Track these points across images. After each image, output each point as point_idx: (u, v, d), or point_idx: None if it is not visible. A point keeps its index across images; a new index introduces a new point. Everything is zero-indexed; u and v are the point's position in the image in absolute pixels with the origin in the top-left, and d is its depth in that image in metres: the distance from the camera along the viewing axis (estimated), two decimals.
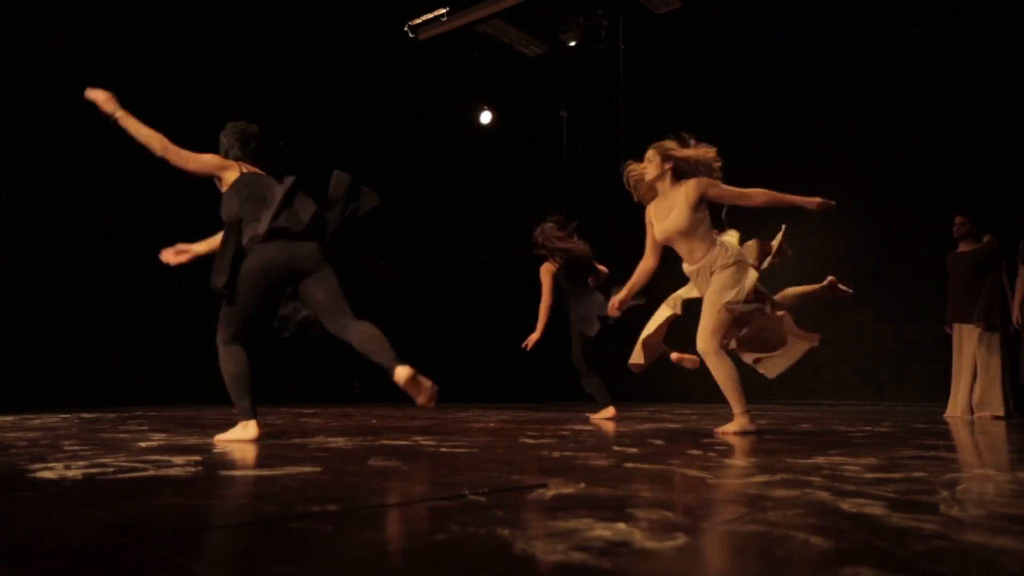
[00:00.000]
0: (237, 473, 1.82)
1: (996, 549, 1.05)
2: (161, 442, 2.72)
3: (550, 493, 1.55)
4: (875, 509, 1.36)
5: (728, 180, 3.75)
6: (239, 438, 2.82)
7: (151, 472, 1.83)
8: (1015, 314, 5.58)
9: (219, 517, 1.27)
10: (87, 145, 6.22)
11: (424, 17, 7.12)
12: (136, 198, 6.52)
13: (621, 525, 1.18)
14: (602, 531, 1.13)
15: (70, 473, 1.78)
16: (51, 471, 1.82)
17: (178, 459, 2.12)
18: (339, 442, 2.84)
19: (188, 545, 1.08)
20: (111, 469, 1.87)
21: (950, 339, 5.94)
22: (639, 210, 3.88)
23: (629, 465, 2.18)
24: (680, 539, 1.08)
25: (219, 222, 3.16)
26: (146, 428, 3.44)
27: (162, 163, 3.07)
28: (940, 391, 6.05)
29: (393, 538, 1.11)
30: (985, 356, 5.65)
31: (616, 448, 2.74)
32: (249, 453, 2.40)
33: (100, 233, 6.34)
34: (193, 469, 1.90)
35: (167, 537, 1.11)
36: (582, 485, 1.68)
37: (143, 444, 2.61)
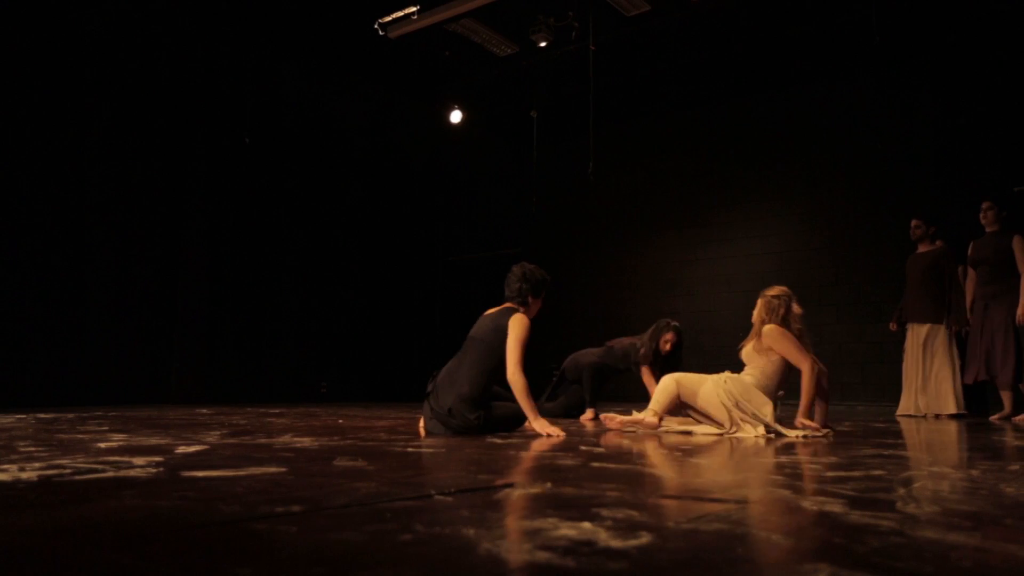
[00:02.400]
0: (199, 474, 1.79)
1: (949, 545, 1.08)
2: (121, 443, 2.66)
3: (516, 493, 1.55)
4: (835, 507, 1.39)
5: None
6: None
7: (110, 473, 1.79)
8: (966, 316, 5.74)
9: (180, 519, 1.25)
10: (54, 146, 6.08)
11: (394, 15, 7.07)
12: (95, 195, 6.39)
13: (586, 524, 1.19)
14: (567, 530, 1.14)
15: (24, 475, 1.74)
16: (5, 473, 1.77)
17: (139, 460, 2.08)
18: (305, 442, 2.81)
19: (148, 548, 1.06)
20: (68, 471, 1.83)
21: (903, 338, 6.13)
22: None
23: (595, 465, 2.19)
24: (644, 538, 1.10)
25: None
26: (106, 428, 3.36)
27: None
28: (900, 391, 6.19)
29: (358, 539, 1.10)
30: (943, 356, 5.81)
31: (583, 448, 2.75)
32: (212, 454, 2.36)
33: (61, 230, 6.19)
34: (154, 470, 1.87)
35: (126, 540, 1.09)
36: (548, 485, 1.69)
37: (102, 445, 2.56)
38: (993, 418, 5.49)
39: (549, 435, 3.22)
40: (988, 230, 5.66)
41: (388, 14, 7.08)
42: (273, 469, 1.93)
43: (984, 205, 5.67)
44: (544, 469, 2.10)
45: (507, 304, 3.58)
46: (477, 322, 3.60)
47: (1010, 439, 3.47)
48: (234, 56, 7.45)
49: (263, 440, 2.90)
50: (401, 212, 9.25)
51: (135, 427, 3.49)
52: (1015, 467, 2.16)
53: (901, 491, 1.61)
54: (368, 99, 8.77)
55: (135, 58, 6.67)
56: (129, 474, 1.79)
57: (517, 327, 3.38)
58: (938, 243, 6.08)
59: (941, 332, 5.84)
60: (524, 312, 3.52)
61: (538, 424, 3.33)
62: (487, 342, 3.44)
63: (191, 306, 7.08)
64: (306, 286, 8.08)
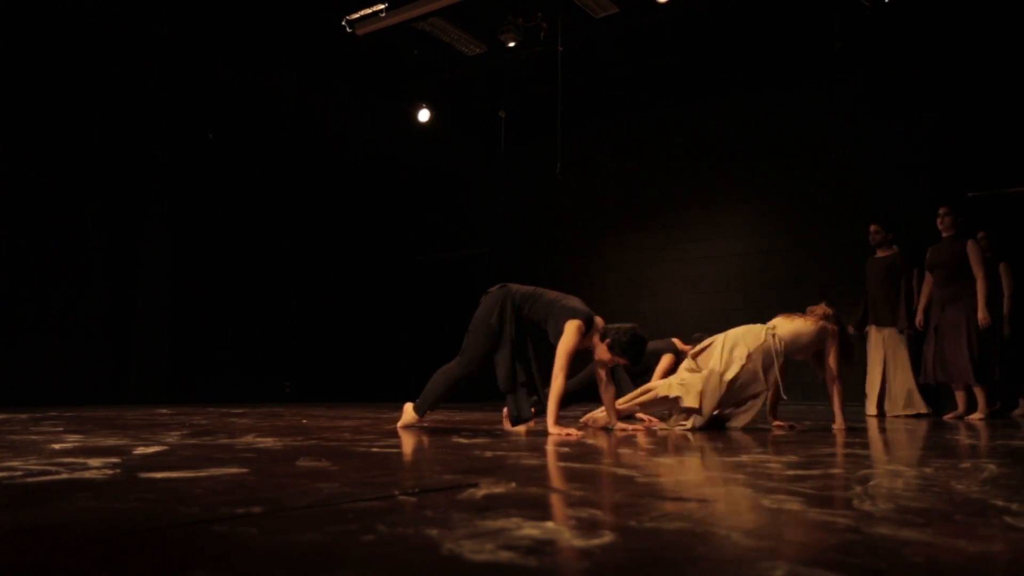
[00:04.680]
0: (158, 475, 1.76)
1: (902, 541, 1.10)
2: (77, 444, 2.60)
3: (480, 493, 1.55)
4: (793, 505, 1.42)
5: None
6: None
7: (64, 475, 1.75)
8: (918, 317, 5.91)
9: (137, 521, 1.23)
10: (18, 144, 5.91)
11: (362, 12, 7.01)
12: (52, 192, 6.23)
13: (550, 524, 1.19)
14: (530, 530, 1.14)
15: None
16: None
17: (94, 461, 2.03)
18: (268, 442, 2.78)
19: (102, 551, 1.03)
20: (19, 472, 1.78)
21: (866, 341, 6.28)
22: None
23: (561, 464, 2.20)
24: (607, 537, 1.10)
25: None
26: (61, 429, 3.28)
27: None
28: (861, 391, 6.33)
29: (320, 540, 1.09)
30: (901, 358, 5.98)
31: (548, 448, 2.76)
32: (172, 455, 2.32)
33: (17, 228, 6.02)
34: (111, 472, 1.83)
35: (80, 543, 1.07)
36: (513, 484, 1.69)
37: (57, 446, 2.49)
38: (947, 417, 5.65)
39: (568, 434, 3.31)
40: (944, 235, 5.82)
41: (356, 11, 7.02)
42: (234, 470, 1.90)
43: (941, 211, 5.84)
44: (509, 469, 2.11)
45: (593, 319, 3.68)
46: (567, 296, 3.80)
47: (963, 438, 3.57)
48: (197, 53, 7.32)
49: (225, 440, 2.85)
50: (367, 211, 9.18)
51: (91, 428, 3.41)
52: (966, 465, 2.22)
53: (858, 489, 1.65)
54: (335, 97, 8.69)
55: (100, 56, 6.52)
56: (84, 476, 1.75)
57: (567, 336, 3.54)
58: (894, 248, 6.26)
59: (898, 335, 6.02)
60: (598, 341, 3.66)
61: (554, 429, 3.42)
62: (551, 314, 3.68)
63: (151, 303, 6.94)
64: (270, 285, 7.97)
